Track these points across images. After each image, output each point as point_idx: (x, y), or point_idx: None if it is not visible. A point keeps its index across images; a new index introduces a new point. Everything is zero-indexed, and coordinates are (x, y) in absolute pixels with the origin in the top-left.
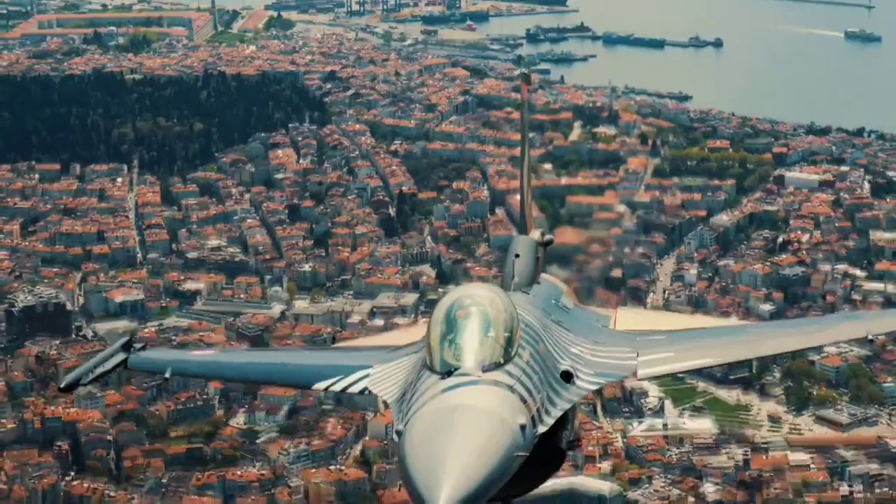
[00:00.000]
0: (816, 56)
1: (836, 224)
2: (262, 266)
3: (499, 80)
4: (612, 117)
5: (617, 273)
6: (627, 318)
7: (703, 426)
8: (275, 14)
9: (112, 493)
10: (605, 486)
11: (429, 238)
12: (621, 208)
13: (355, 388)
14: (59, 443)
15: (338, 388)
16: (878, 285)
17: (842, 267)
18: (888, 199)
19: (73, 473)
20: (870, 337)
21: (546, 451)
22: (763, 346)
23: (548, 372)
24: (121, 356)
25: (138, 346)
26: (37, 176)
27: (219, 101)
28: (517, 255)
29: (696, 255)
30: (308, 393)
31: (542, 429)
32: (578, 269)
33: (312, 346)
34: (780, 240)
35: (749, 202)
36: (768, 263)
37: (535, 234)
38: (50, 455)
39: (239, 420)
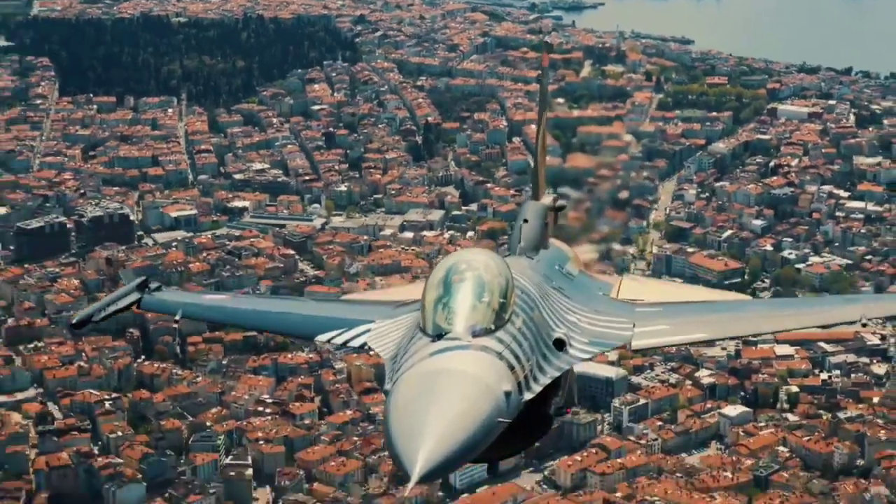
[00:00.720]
0: (812, 7)
1: (823, 150)
2: (301, 186)
3: (515, 23)
4: (619, 57)
5: (624, 194)
6: (631, 286)
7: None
8: None
9: (178, 373)
10: (612, 371)
11: (452, 163)
12: (628, 137)
13: (356, 343)
14: (130, 330)
15: (339, 340)
16: (860, 204)
17: (827, 188)
18: (871, 129)
19: (143, 356)
20: (864, 321)
21: (533, 416)
22: (759, 323)
23: (540, 339)
24: (135, 296)
25: (153, 287)
26: (94, 107)
27: (258, 42)
28: (525, 220)
29: (695, 177)
30: (350, 289)
31: (528, 396)
32: (589, 191)
33: (321, 298)
34: (771, 164)
35: (744, 132)
36: (760, 184)
37: (547, 200)
38: (123, 340)
39: None
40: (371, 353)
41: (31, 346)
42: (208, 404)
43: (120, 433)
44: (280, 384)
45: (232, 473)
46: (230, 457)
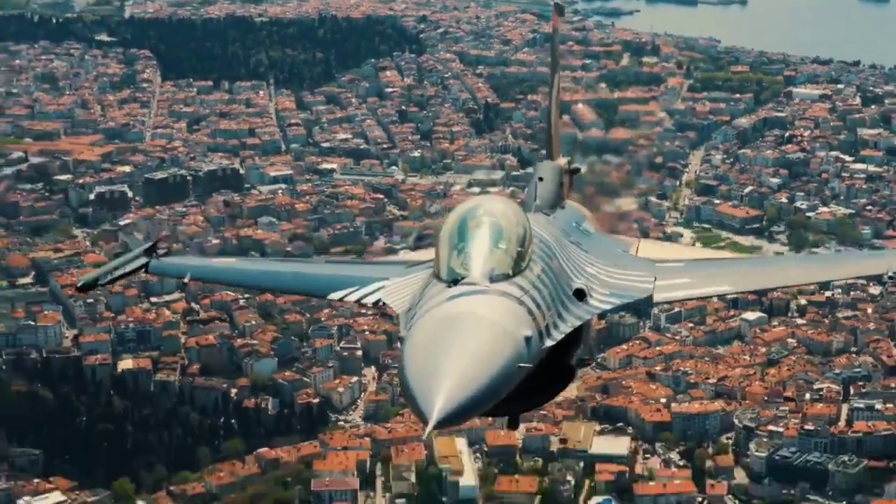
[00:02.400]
0: (831, 14)
1: (831, 124)
2: (380, 152)
3: (561, 22)
4: (654, 50)
5: (659, 159)
6: (649, 248)
7: (725, 255)
8: None
9: None
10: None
11: (510, 135)
12: (662, 114)
13: (370, 300)
14: (252, 252)
15: (353, 298)
16: (862, 166)
17: (834, 153)
18: (874, 107)
19: None
20: (890, 274)
21: (554, 367)
22: (782, 275)
23: (559, 288)
24: (143, 260)
25: (161, 251)
26: (194, 90)
27: (333, 37)
28: (540, 179)
29: (720, 146)
30: (431, 225)
31: (549, 343)
32: (629, 157)
33: (332, 259)
34: (786, 135)
35: (763, 110)
36: (777, 151)
37: (562, 161)
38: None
39: (381, 242)
40: (385, 306)
41: None
42: (320, 306)
43: (253, 322)
44: None
45: (345, 354)
46: (342, 343)
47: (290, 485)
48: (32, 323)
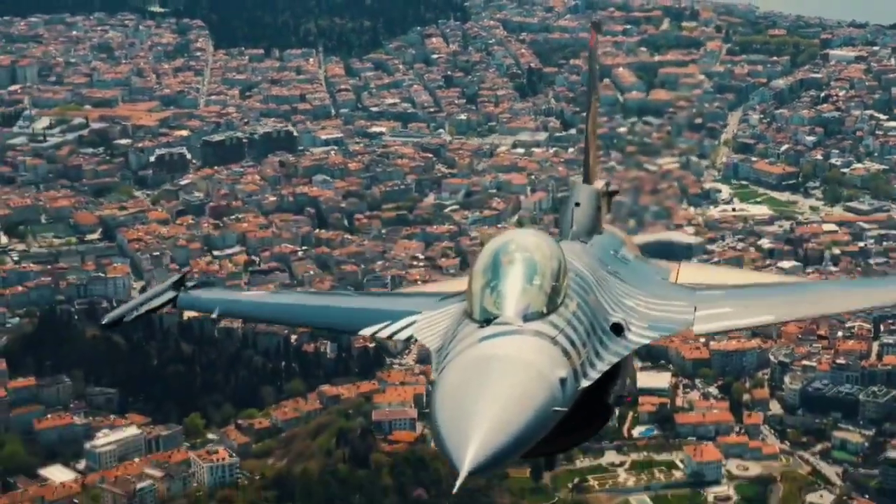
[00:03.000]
0: None
1: (867, 83)
2: (427, 116)
3: None
4: (693, 14)
5: (698, 119)
6: (690, 272)
7: (762, 210)
8: None
9: (349, 237)
10: (693, 239)
11: (552, 99)
12: (700, 77)
13: (402, 335)
14: (308, 208)
15: (385, 334)
16: None
17: (868, 112)
18: None
19: (318, 228)
20: None
21: (591, 405)
22: (827, 304)
23: (596, 323)
24: (171, 294)
25: (189, 284)
26: (246, 58)
27: (380, 6)
28: (577, 204)
29: (758, 107)
30: (478, 182)
31: (585, 383)
32: (669, 118)
33: (363, 292)
34: (822, 94)
35: (800, 72)
36: (813, 110)
37: (599, 185)
38: (302, 216)
39: (430, 199)
40: (417, 342)
41: (233, 217)
42: (374, 258)
43: (311, 272)
44: (428, 248)
45: None
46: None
47: (352, 416)
48: (102, 275)
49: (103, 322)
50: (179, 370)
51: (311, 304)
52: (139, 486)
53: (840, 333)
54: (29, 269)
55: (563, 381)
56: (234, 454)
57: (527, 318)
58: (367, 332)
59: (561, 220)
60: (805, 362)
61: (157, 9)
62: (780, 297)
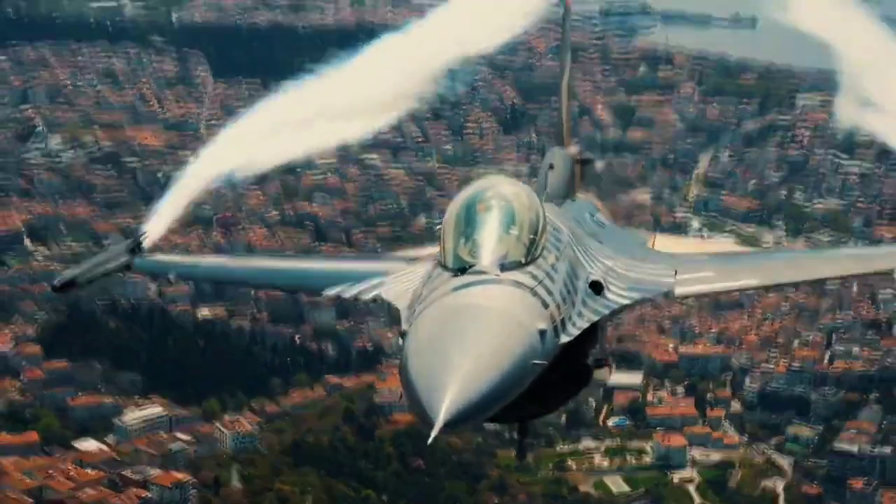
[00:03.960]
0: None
1: (830, 126)
2: (415, 145)
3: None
4: (668, 60)
5: (671, 156)
6: (666, 242)
7: (727, 243)
8: None
9: (347, 249)
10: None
11: (534, 134)
12: (674, 117)
13: (367, 295)
14: (307, 222)
15: (349, 294)
16: (856, 163)
17: (832, 151)
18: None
19: (318, 241)
20: None
21: (570, 366)
22: (808, 270)
23: (576, 279)
24: (126, 258)
25: (145, 248)
26: (244, 88)
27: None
28: (551, 166)
29: (728, 146)
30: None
31: (565, 338)
32: (645, 155)
33: (328, 255)
34: (789, 135)
35: (768, 116)
36: (780, 150)
37: (573, 150)
38: (303, 230)
39: (422, 220)
40: (384, 302)
41: (240, 227)
42: None
43: None
44: None
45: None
46: None
47: (356, 400)
48: (120, 275)
49: (54, 284)
50: (196, 362)
51: (275, 266)
52: (171, 446)
53: (796, 342)
54: (54, 269)
55: (542, 334)
56: (253, 425)
57: (504, 267)
58: (330, 292)
59: (536, 182)
60: (764, 366)
61: (156, 38)
62: (764, 263)
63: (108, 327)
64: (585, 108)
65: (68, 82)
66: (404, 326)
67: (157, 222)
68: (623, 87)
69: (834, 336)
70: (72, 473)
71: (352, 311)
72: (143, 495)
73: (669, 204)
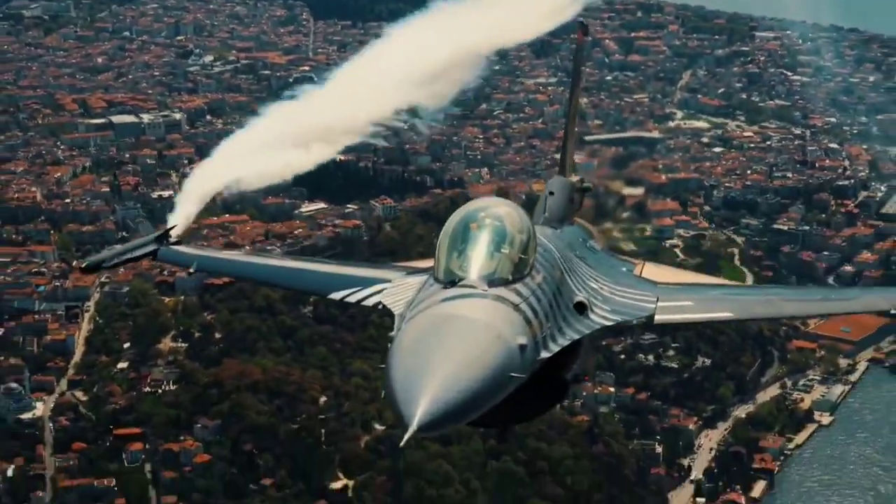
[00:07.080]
0: None
1: (779, 52)
2: None
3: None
4: (659, 8)
5: (661, 73)
6: (653, 271)
7: (702, 123)
8: None
9: None
10: (657, 135)
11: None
12: (664, 47)
13: (370, 301)
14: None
15: (353, 299)
16: (797, 77)
17: (780, 70)
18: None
19: None
20: (893, 311)
21: (549, 380)
22: (784, 307)
23: (561, 299)
24: (153, 246)
25: (172, 239)
26: (339, 26)
27: None
28: (551, 193)
29: (704, 67)
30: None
31: (544, 354)
32: (642, 72)
33: (336, 260)
34: (749, 59)
35: (734, 46)
36: (742, 68)
37: (573, 178)
38: None
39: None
40: (385, 308)
41: None
42: None
43: None
44: None
45: None
46: None
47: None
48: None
49: (83, 265)
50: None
51: (286, 266)
52: None
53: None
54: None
55: (522, 348)
56: None
57: (492, 283)
58: (336, 295)
59: (535, 207)
60: (727, 184)
61: None
62: (741, 297)
63: None
64: (596, 41)
65: (206, 21)
66: (394, 332)
67: (183, 215)
68: (624, 27)
69: (774, 169)
70: None
71: None
72: None
73: (661, 103)
